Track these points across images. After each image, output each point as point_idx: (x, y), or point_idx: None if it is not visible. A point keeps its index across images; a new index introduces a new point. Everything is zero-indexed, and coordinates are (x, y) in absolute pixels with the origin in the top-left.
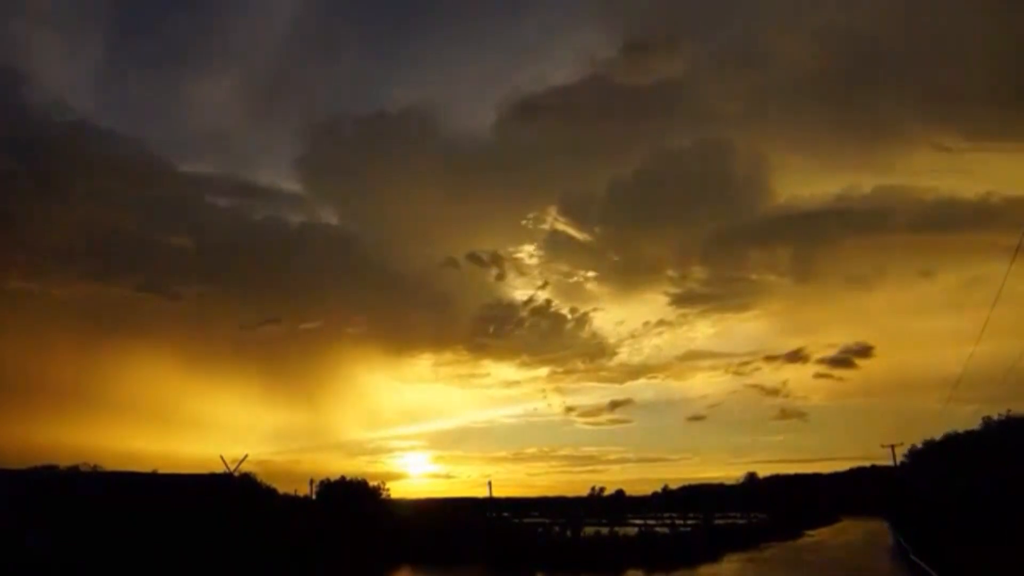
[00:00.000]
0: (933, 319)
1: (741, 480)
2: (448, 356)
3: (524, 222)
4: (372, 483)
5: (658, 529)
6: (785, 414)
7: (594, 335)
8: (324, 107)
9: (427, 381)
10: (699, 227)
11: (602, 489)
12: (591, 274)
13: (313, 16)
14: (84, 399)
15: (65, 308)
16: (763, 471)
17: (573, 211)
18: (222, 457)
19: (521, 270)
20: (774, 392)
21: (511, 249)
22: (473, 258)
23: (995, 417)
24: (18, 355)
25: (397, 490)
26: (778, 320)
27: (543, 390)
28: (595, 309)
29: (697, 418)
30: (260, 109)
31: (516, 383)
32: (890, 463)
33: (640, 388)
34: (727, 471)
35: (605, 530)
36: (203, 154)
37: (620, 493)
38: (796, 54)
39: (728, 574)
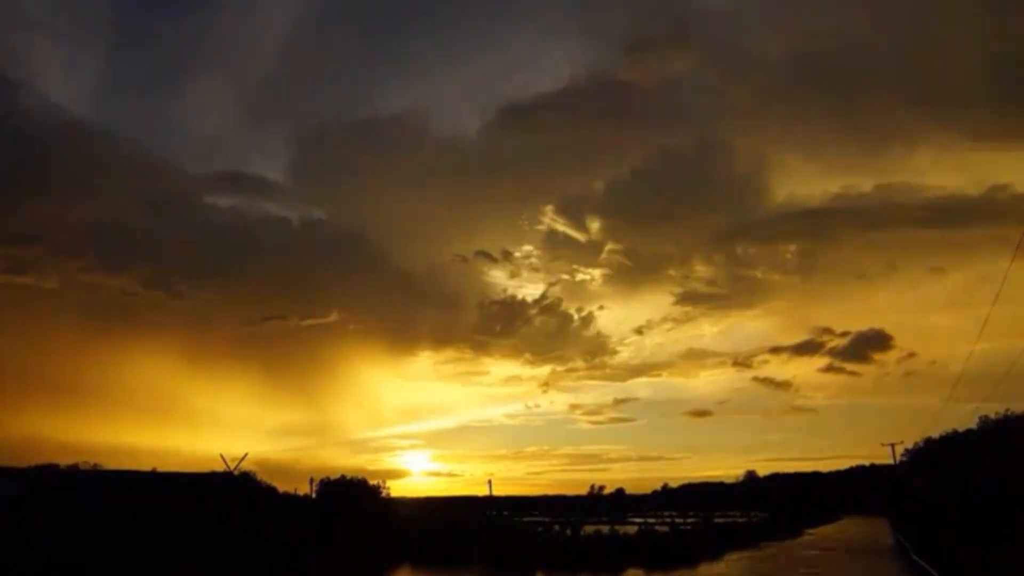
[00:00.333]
0: (938, 316)
1: (741, 478)
2: (449, 354)
3: (525, 222)
4: (372, 482)
5: (658, 528)
6: (786, 412)
7: (597, 334)
8: (323, 109)
9: (428, 379)
10: (701, 226)
11: (602, 488)
12: (593, 273)
13: (312, 22)
14: (84, 396)
15: (65, 304)
16: (763, 469)
17: (574, 210)
18: (222, 456)
19: (523, 269)
20: (775, 391)
21: (513, 248)
22: (475, 257)
23: (993, 416)
24: (17, 353)
25: (398, 488)
26: (779, 318)
27: (544, 387)
28: (598, 308)
29: (698, 417)
30: (255, 112)
31: (518, 381)
32: (890, 461)
33: (642, 386)
34: (727, 469)
35: (605, 529)
36: (202, 156)
37: (620, 492)
38: (795, 54)
39: (728, 573)
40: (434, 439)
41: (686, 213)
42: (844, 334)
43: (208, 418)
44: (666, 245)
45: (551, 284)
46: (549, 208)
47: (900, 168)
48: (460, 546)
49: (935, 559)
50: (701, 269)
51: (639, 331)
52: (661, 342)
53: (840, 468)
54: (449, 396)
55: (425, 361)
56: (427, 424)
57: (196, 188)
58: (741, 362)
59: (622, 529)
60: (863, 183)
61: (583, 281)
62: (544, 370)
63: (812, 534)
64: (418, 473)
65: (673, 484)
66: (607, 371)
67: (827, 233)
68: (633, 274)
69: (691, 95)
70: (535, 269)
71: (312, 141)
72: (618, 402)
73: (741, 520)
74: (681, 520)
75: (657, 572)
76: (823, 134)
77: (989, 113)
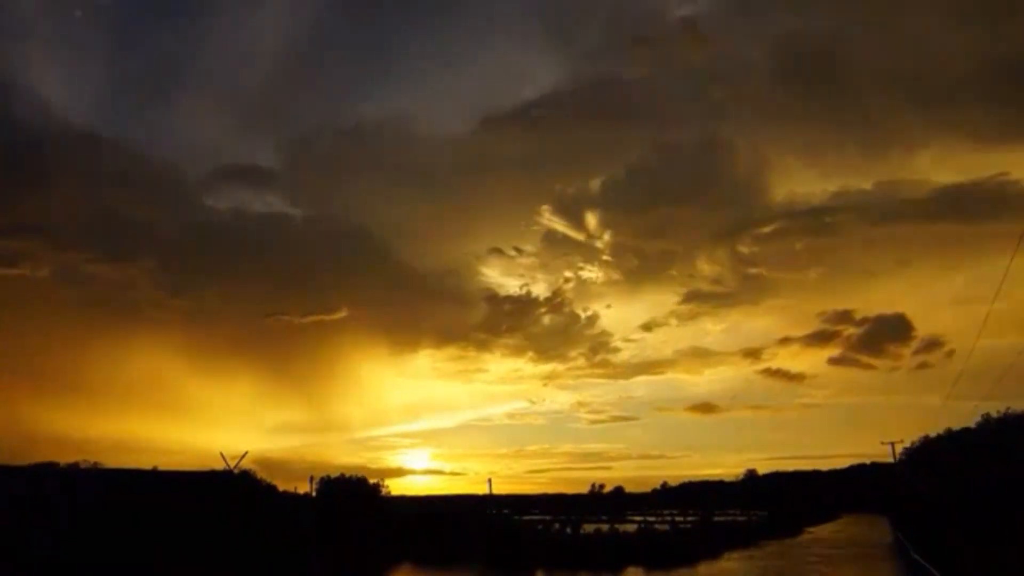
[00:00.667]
0: (941, 313)
1: (741, 477)
2: (450, 352)
3: (527, 220)
4: (372, 480)
5: (658, 526)
6: (787, 410)
7: (598, 332)
8: (318, 112)
9: (428, 377)
10: (704, 224)
11: (602, 486)
12: (596, 272)
13: (309, 28)
14: (85, 392)
15: (64, 299)
16: (763, 468)
17: (576, 209)
18: (222, 454)
19: (524, 268)
20: (776, 390)
21: (514, 247)
22: (476, 255)
23: (993, 414)
24: (17, 351)
25: (399, 487)
26: (781, 317)
27: (545, 384)
28: (599, 306)
29: (698, 415)
30: (253, 114)
31: (519, 380)
32: (890, 460)
33: (643, 385)
34: (727, 468)
35: (605, 527)
36: (200, 157)
37: (620, 490)
38: (794, 54)
39: (728, 573)
40: (435, 437)
41: (688, 211)
42: (846, 332)
43: (209, 415)
44: (668, 243)
45: (553, 283)
46: (551, 207)
47: (903, 166)
48: (460, 545)
49: (935, 558)
50: (704, 267)
51: (640, 329)
52: (662, 340)
53: (840, 467)
54: (450, 394)
55: (426, 359)
56: (427, 422)
57: (196, 188)
58: (742, 361)
59: (622, 528)
60: (865, 181)
61: (585, 280)
62: (545, 368)
63: (812, 533)
64: (419, 471)
65: (673, 482)
66: (608, 369)
67: (828, 230)
68: (635, 272)
69: (690, 95)
70: (537, 267)
71: (309, 142)
72: (619, 400)
73: (741, 519)
74: (681, 519)
75: (657, 571)
76: (823, 133)
77: (990, 114)
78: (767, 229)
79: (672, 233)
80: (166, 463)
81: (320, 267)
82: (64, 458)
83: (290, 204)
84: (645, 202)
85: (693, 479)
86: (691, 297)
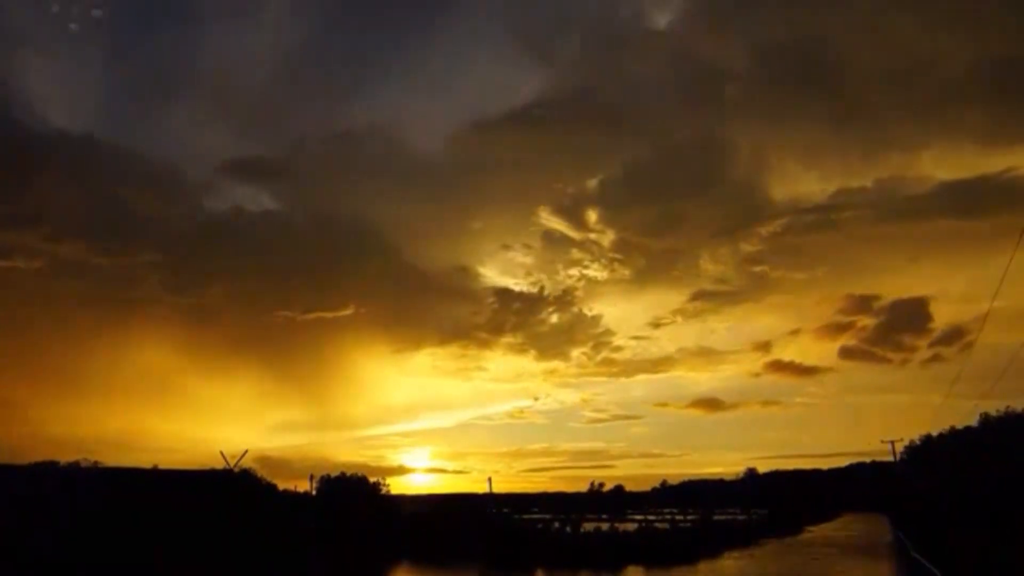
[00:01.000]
0: (943, 312)
1: (741, 475)
2: (452, 350)
3: (528, 219)
4: (372, 479)
5: (658, 525)
6: (787, 409)
7: (600, 331)
8: (313, 116)
9: (429, 376)
10: (706, 222)
11: (601, 484)
12: (598, 271)
13: (304, 33)
14: (87, 389)
15: (65, 295)
16: (763, 466)
17: (577, 209)
18: (222, 453)
19: (526, 267)
20: (777, 388)
21: (516, 245)
22: (478, 254)
23: (993, 413)
24: (16, 349)
25: (400, 486)
26: (783, 316)
27: (547, 383)
28: (601, 305)
29: (699, 414)
30: (248, 119)
31: (519, 379)
32: (890, 459)
33: (644, 383)
34: (728, 466)
35: (605, 526)
36: (199, 160)
37: (619, 489)
38: (795, 53)
39: (728, 571)
40: (436, 436)
41: (692, 209)
42: (850, 331)
43: (210, 412)
44: (670, 242)
45: (555, 281)
46: (553, 206)
47: (906, 164)
48: (460, 544)
49: (934, 557)
50: (707, 266)
51: (641, 327)
52: (663, 339)
53: (840, 465)
54: (451, 393)
55: (427, 357)
56: (428, 421)
57: (196, 187)
58: (743, 359)
59: (622, 527)
60: (868, 178)
61: (587, 278)
62: (547, 367)
63: (812, 532)
64: (420, 470)
65: (673, 481)
66: (610, 368)
67: (833, 227)
68: (637, 271)
69: (690, 94)
70: (539, 266)
71: (308, 143)
72: (621, 399)
73: (741, 517)
74: (681, 517)
75: (657, 570)
76: (824, 133)
77: (990, 115)
78: (771, 227)
79: (674, 231)
80: (166, 461)
81: (322, 265)
82: (64, 457)
83: (291, 203)
84: (648, 201)
85: (693, 478)
86: (693, 296)
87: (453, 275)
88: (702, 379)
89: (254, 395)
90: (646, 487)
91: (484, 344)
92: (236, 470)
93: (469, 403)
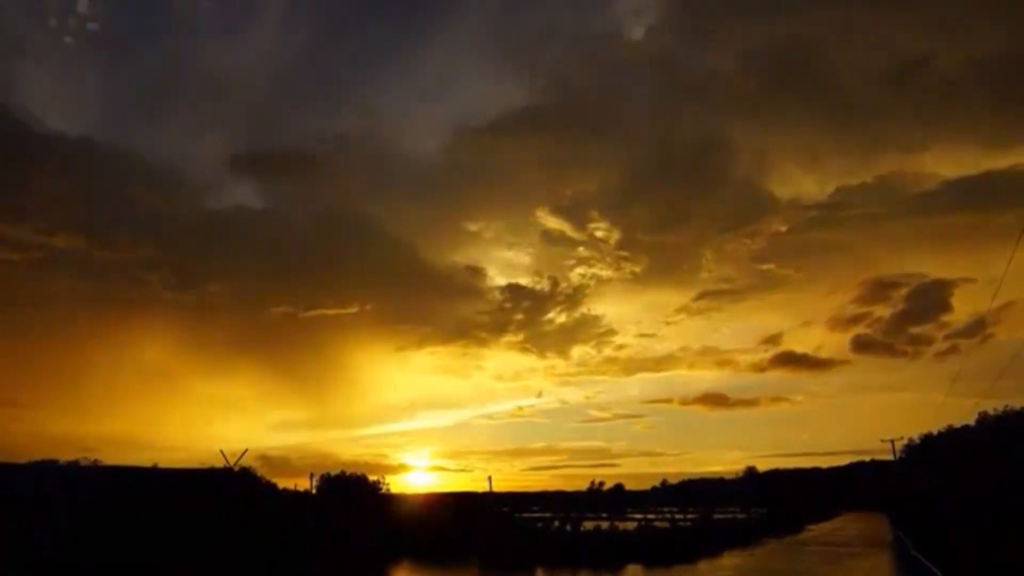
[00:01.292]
0: (946, 309)
1: (741, 474)
2: (453, 349)
3: (530, 218)
4: (373, 477)
5: (657, 524)
6: (787, 407)
7: (603, 330)
8: (308, 118)
9: (431, 374)
10: (708, 221)
11: (602, 483)
12: (600, 269)
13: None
14: (85, 388)
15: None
16: (763, 465)
17: (577, 208)
18: (222, 451)
19: (529, 265)
20: (777, 387)
21: (517, 244)
22: (481, 253)
23: (992, 412)
24: (17, 345)
25: (401, 484)
26: (785, 315)
27: (548, 382)
28: (603, 303)
29: (699, 413)
30: (247, 120)
31: (520, 377)
32: (890, 457)
33: (646, 382)
34: (727, 465)
35: (605, 525)
36: (199, 160)
37: (619, 487)
38: (794, 51)
39: (728, 570)
40: (437, 434)
41: (694, 208)
42: (852, 330)
43: (209, 411)
44: (672, 241)
45: (557, 280)
46: (552, 206)
47: (909, 162)
48: (460, 542)
49: (934, 556)
50: (709, 264)
51: (642, 326)
52: (664, 337)
53: (840, 464)
54: (452, 391)
55: (428, 356)
56: (430, 419)
57: (197, 186)
58: (745, 358)
59: (622, 525)
60: (871, 176)
61: (589, 277)
62: (548, 365)
63: (812, 531)
64: (420, 468)
65: (673, 480)
66: (611, 367)
67: (836, 226)
68: (639, 270)
69: (690, 92)
70: (541, 265)
71: (308, 143)
72: (622, 398)
73: (741, 516)
74: (681, 516)
75: (657, 568)
76: (823, 133)
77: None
78: (772, 226)
79: (675, 230)
80: (166, 460)
81: (322, 264)
82: (64, 455)
83: (292, 201)
84: (649, 200)
85: (693, 476)
86: (694, 294)
87: (456, 274)
88: (703, 377)
89: (254, 393)
90: (646, 486)
91: (486, 342)
92: (236, 469)
93: (470, 401)
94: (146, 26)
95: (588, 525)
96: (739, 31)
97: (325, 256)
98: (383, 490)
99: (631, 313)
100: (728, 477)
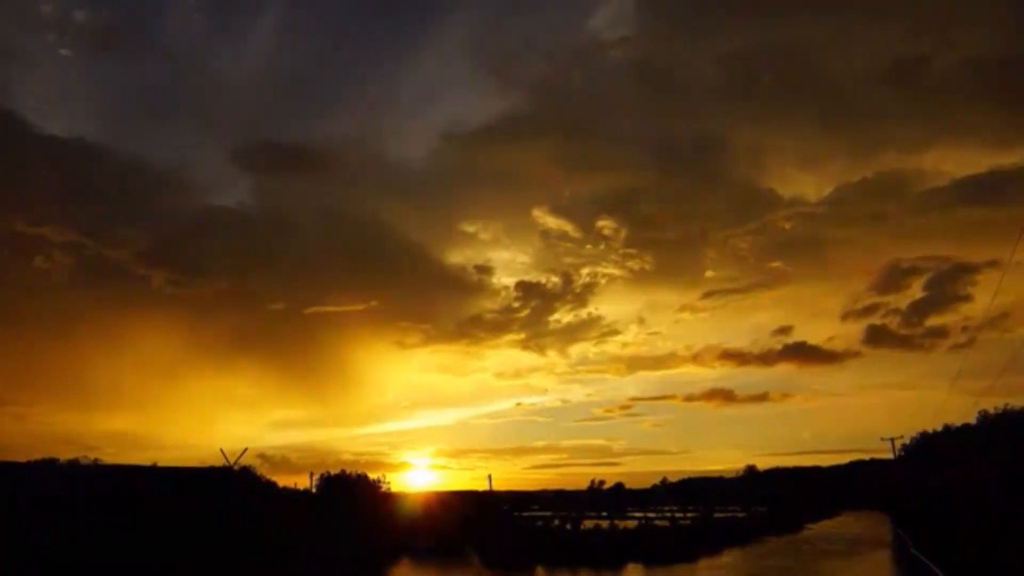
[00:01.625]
0: (947, 310)
1: (741, 473)
2: (454, 348)
3: (530, 217)
4: (373, 476)
5: (658, 522)
6: (788, 406)
7: (604, 329)
8: (305, 119)
9: (432, 372)
10: (709, 220)
11: (602, 482)
12: (601, 268)
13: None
14: (85, 387)
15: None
16: (763, 464)
17: (578, 207)
18: (222, 450)
19: (529, 265)
20: (777, 386)
21: (517, 243)
22: (483, 252)
23: (991, 411)
24: (17, 344)
25: (401, 482)
26: (785, 314)
27: (548, 381)
28: (604, 302)
29: (699, 412)
30: (245, 122)
31: (520, 376)
32: (890, 456)
33: (645, 381)
34: (728, 464)
35: (605, 524)
36: (199, 160)
37: (619, 486)
38: (794, 52)
39: (728, 569)
40: (438, 433)
41: (694, 207)
42: (853, 329)
43: (210, 409)
44: (673, 239)
45: (558, 279)
46: (552, 205)
47: (911, 160)
48: (460, 541)
49: (934, 555)
50: (710, 263)
51: (643, 325)
52: (664, 336)
53: (840, 463)
54: (453, 390)
55: (430, 355)
56: (430, 418)
57: (196, 186)
58: (745, 357)
59: (622, 524)
60: (871, 173)
61: (591, 276)
62: (549, 364)
63: (812, 529)
64: (421, 467)
65: (673, 478)
66: (613, 365)
67: (839, 224)
68: (640, 270)
69: (689, 93)
70: (541, 264)
71: (308, 143)
72: (623, 396)
73: (741, 515)
74: (681, 515)
75: (657, 567)
76: (822, 133)
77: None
78: (772, 224)
79: (676, 229)
80: (166, 459)
81: (323, 263)
82: (64, 454)
83: (292, 200)
84: (649, 200)
85: (693, 475)
86: (695, 293)
87: (457, 272)
88: (704, 376)
89: (254, 392)
90: (646, 484)
91: (487, 341)
92: (236, 468)
93: (471, 400)
94: (144, 31)
95: (588, 524)
96: (722, 34)
97: (325, 254)
98: (383, 489)
99: (632, 312)
100: (728, 476)
